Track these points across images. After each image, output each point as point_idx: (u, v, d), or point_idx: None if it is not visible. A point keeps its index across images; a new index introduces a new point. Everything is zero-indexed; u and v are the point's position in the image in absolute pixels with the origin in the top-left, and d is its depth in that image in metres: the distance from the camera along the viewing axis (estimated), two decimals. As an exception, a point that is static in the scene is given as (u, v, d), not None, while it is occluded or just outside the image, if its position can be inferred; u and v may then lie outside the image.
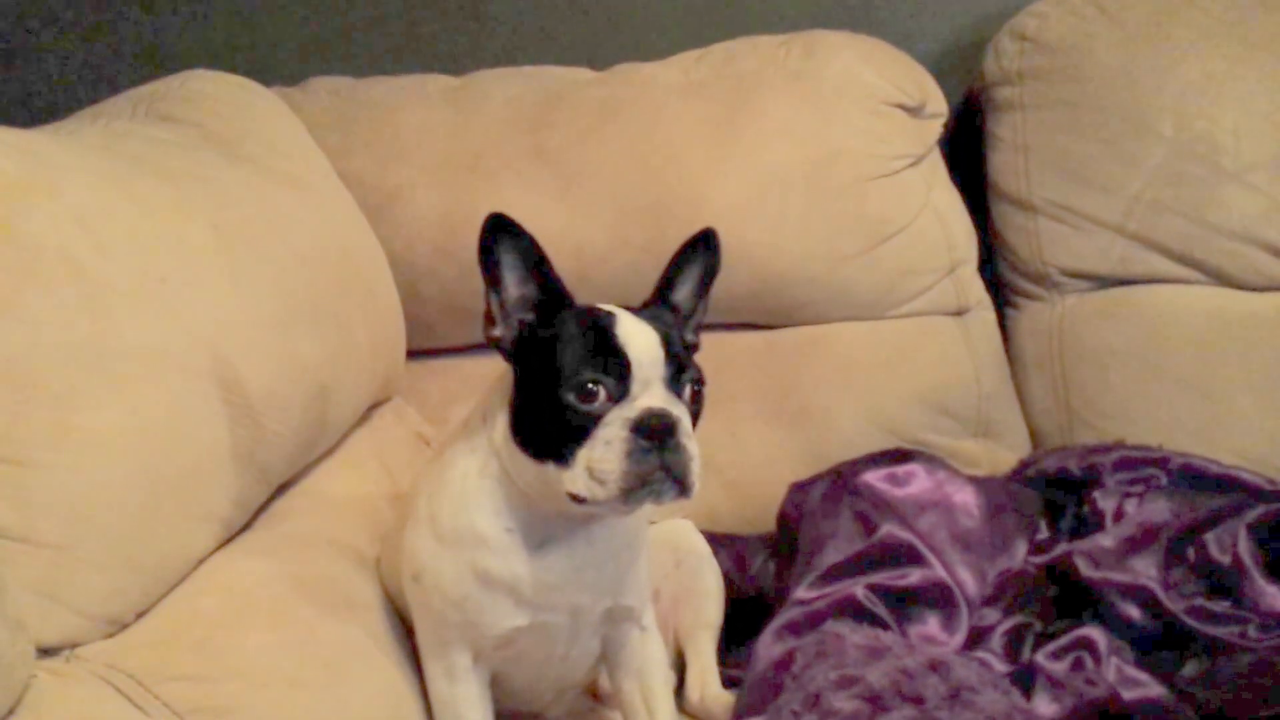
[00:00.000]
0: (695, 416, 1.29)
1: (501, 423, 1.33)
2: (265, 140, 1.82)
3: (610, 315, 1.29)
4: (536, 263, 1.30)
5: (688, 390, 1.29)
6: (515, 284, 1.29)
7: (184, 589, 1.34)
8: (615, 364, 1.24)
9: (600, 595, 1.40)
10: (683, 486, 1.23)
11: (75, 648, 1.21)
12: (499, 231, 1.27)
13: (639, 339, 1.26)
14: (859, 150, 2.11)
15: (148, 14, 2.44)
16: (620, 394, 1.24)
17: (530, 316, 1.31)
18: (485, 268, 1.28)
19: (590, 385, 1.23)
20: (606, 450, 1.22)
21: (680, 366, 1.28)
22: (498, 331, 1.31)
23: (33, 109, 2.45)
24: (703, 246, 1.39)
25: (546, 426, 1.26)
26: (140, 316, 1.32)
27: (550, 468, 1.26)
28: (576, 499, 1.25)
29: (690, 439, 1.24)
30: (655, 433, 1.22)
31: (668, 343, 1.27)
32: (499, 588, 1.35)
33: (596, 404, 1.23)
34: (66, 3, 2.44)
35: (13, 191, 1.25)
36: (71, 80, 2.46)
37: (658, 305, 1.37)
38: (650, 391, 1.25)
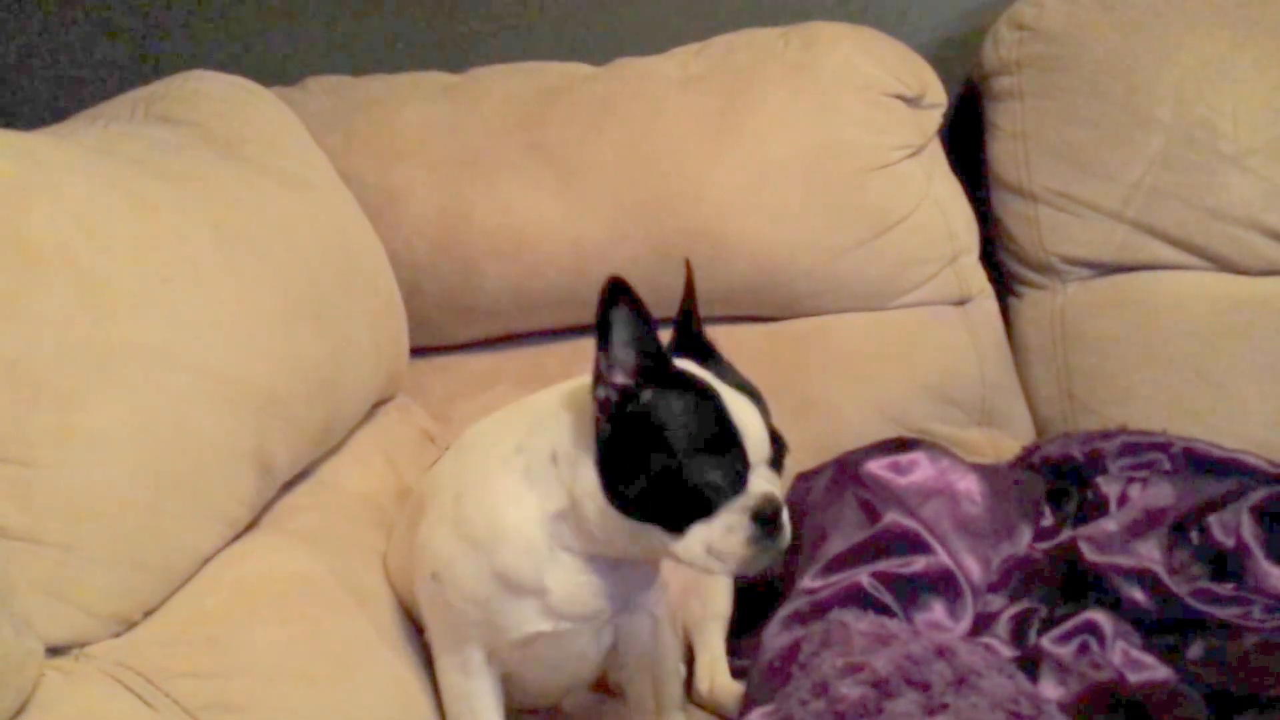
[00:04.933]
0: None
1: (587, 474, 1.32)
2: (265, 140, 1.82)
3: (718, 396, 1.31)
4: (644, 329, 1.29)
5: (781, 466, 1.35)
6: (621, 346, 1.29)
7: (191, 587, 1.35)
8: (736, 454, 1.28)
9: (623, 601, 1.43)
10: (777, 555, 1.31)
11: (84, 647, 1.21)
12: (615, 295, 1.27)
13: (752, 426, 1.30)
14: (859, 141, 2.11)
15: (145, 15, 2.44)
16: (739, 485, 1.28)
17: (630, 381, 1.30)
18: (599, 328, 1.28)
19: (712, 474, 1.27)
20: (728, 535, 1.27)
21: (779, 445, 1.33)
22: (602, 393, 1.31)
23: (30, 111, 2.44)
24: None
25: (661, 501, 1.28)
26: (142, 316, 1.32)
27: (655, 531, 1.29)
28: (680, 561, 1.30)
29: (785, 513, 1.30)
30: (771, 519, 1.28)
31: (767, 420, 1.32)
32: (526, 596, 1.36)
33: (719, 491, 1.27)
34: (63, 4, 2.44)
35: (12, 193, 1.25)
36: (69, 82, 2.46)
37: (718, 361, 1.41)
38: (759, 473, 1.30)
